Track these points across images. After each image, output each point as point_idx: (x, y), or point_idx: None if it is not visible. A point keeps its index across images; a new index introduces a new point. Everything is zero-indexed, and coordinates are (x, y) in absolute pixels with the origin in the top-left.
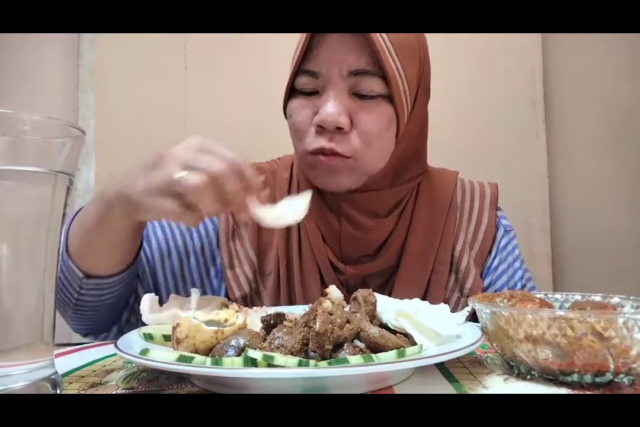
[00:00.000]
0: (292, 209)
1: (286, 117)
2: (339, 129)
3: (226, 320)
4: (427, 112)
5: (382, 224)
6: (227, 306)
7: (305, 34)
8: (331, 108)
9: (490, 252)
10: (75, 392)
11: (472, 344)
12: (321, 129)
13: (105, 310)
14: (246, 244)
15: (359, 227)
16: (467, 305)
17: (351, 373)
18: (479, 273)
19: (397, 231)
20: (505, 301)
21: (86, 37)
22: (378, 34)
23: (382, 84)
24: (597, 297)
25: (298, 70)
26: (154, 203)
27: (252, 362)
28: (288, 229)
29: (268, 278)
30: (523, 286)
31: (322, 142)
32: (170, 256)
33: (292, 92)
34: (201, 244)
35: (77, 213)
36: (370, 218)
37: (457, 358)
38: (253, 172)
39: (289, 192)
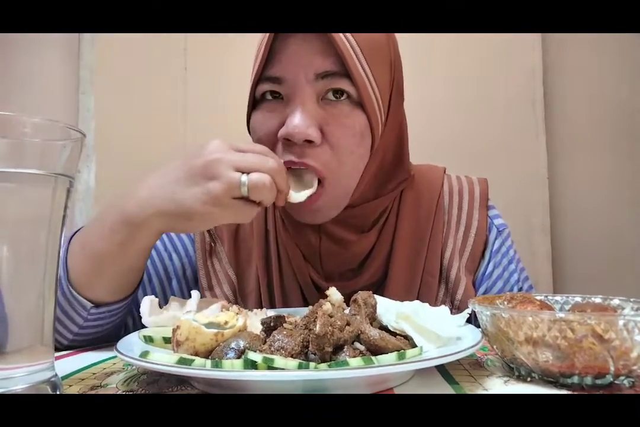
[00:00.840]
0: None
1: (249, 132)
2: (309, 141)
3: (226, 322)
4: (404, 114)
5: (364, 237)
6: (227, 308)
7: (265, 38)
8: (298, 119)
9: (483, 257)
10: None
11: (473, 346)
12: (288, 143)
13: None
14: (224, 262)
15: (339, 242)
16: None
17: (351, 375)
18: (470, 281)
19: (380, 241)
20: (506, 303)
21: (86, 38)
22: (342, 35)
23: (352, 86)
24: (598, 299)
25: (260, 77)
26: (224, 211)
27: (252, 365)
28: (267, 247)
29: (249, 297)
30: (520, 289)
31: (292, 157)
32: (152, 281)
33: (254, 102)
34: (181, 264)
35: (70, 240)
36: (353, 233)
37: (458, 360)
38: (279, 159)
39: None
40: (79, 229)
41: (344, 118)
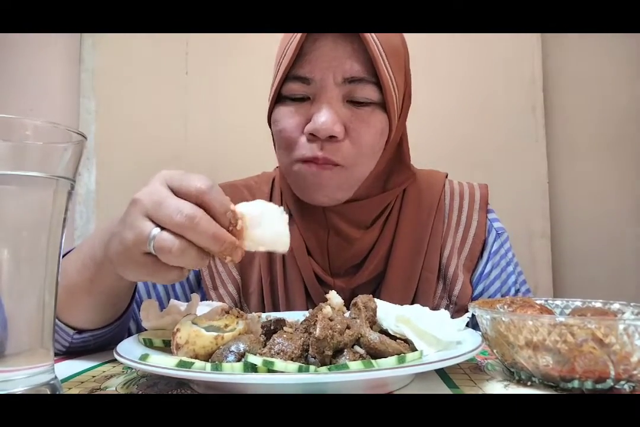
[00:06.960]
0: (276, 234)
1: (269, 125)
2: (332, 137)
3: (226, 325)
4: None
5: (367, 233)
6: (227, 312)
7: (295, 39)
8: (325, 116)
9: (481, 256)
10: None
11: (473, 350)
12: (313, 137)
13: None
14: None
15: (346, 238)
16: (455, 312)
17: (351, 379)
18: (468, 279)
19: (382, 238)
20: (506, 307)
21: (88, 41)
22: (373, 40)
23: (376, 92)
24: (598, 304)
25: (287, 75)
26: (138, 267)
27: (252, 368)
28: None
29: (251, 297)
30: (517, 291)
31: (315, 151)
32: (156, 287)
33: (278, 98)
34: None
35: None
36: (357, 228)
37: (458, 364)
38: (222, 199)
39: None
40: (69, 251)
41: (367, 118)
